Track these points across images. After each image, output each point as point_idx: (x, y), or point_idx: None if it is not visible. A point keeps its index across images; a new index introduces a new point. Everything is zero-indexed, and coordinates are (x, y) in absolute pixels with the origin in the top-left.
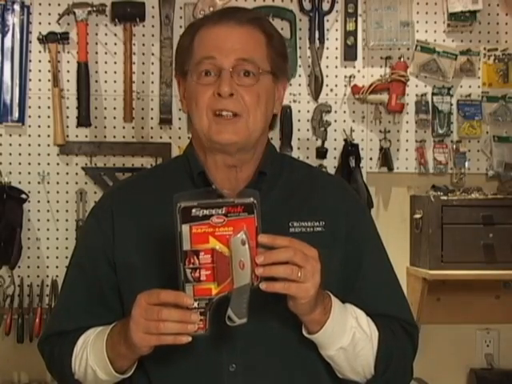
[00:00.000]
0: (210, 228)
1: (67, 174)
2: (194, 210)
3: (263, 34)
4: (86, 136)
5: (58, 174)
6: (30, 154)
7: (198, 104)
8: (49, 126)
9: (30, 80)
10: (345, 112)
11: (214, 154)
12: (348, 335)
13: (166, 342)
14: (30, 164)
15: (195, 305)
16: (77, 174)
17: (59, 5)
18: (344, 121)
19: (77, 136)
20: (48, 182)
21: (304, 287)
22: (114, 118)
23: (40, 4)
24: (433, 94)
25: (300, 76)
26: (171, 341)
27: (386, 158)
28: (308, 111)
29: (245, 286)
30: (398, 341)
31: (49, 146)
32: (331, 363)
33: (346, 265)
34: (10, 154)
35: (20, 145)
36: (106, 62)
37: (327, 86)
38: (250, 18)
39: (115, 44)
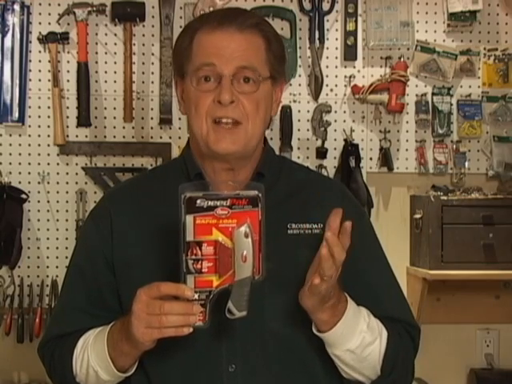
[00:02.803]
0: (213, 219)
1: (67, 174)
2: (198, 201)
3: (263, 39)
4: (86, 136)
5: (58, 174)
6: (30, 154)
7: (198, 111)
8: (49, 126)
9: (30, 80)
10: (345, 112)
11: (212, 159)
12: (357, 339)
13: (168, 334)
14: (30, 164)
15: (196, 296)
16: (77, 174)
17: (59, 5)
18: (344, 121)
19: (77, 136)
20: (48, 182)
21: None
22: (114, 118)
23: (40, 4)
24: (433, 94)
25: (300, 76)
26: (173, 333)
27: (386, 158)
28: (308, 111)
29: (246, 279)
30: (403, 342)
31: (49, 146)
32: (337, 362)
33: (345, 268)
34: (10, 154)
35: (20, 145)
36: (106, 62)
37: (327, 86)
38: (250, 24)
39: (115, 44)
